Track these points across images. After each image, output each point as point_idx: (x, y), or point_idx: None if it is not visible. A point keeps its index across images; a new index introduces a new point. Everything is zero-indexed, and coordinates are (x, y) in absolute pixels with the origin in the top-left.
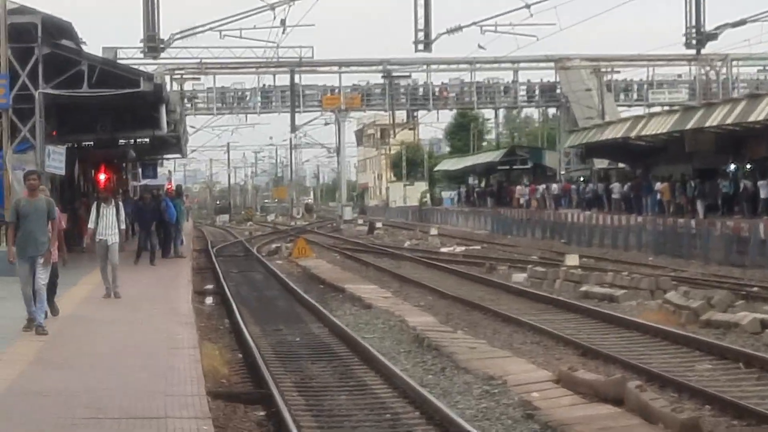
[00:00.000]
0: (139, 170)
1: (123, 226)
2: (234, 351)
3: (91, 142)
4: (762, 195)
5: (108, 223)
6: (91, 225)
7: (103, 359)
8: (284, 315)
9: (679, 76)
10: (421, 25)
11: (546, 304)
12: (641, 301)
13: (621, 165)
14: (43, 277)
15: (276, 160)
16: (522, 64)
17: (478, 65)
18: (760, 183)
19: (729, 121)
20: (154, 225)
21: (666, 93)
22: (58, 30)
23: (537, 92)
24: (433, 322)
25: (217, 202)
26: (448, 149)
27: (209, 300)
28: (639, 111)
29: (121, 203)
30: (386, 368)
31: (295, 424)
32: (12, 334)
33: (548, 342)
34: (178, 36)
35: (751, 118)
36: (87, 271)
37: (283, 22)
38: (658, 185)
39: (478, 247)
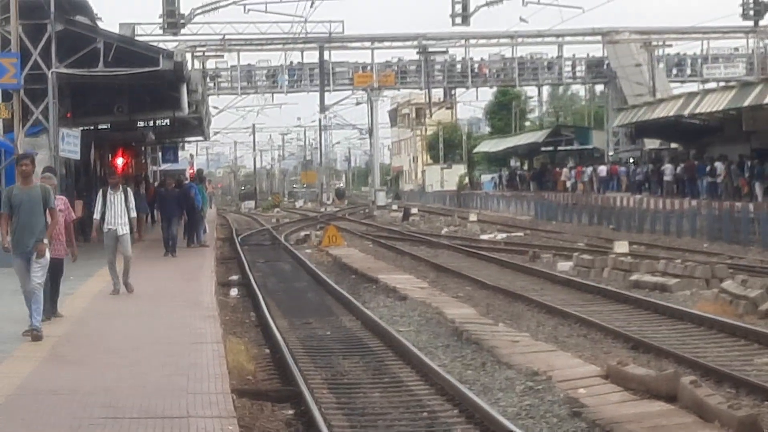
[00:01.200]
0: (159, 154)
1: (133, 214)
2: (261, 346)
3: (108, 125)
4: None
5: (117, 212)
6: (96, 215)
7: (121, 356)
8: (314, 307)
9: (736, 49)
10: None
11: (593, 294)
12: (696, 290)
13: (673, 145)
14: (37, 276)
15: (305, 142)
16: (567, 38)
17: (519, 39)
18: None
19: None
20: (182, 214)
21: (722, 68)
22: (71, 5)
23: (583, 68)
24: (473, 314)
25: (242, 188)
26: (488, 130)
27: (234, 292)
28: (693, 87)
29: (129, 189)
30: (423, 363)
31: (326, 423)
32: (23, 330)
33: (596, 335)
34: (200, 11)
35: None
36: (103, 263)
37: None
38: (718, 166)
39: (521, 234)
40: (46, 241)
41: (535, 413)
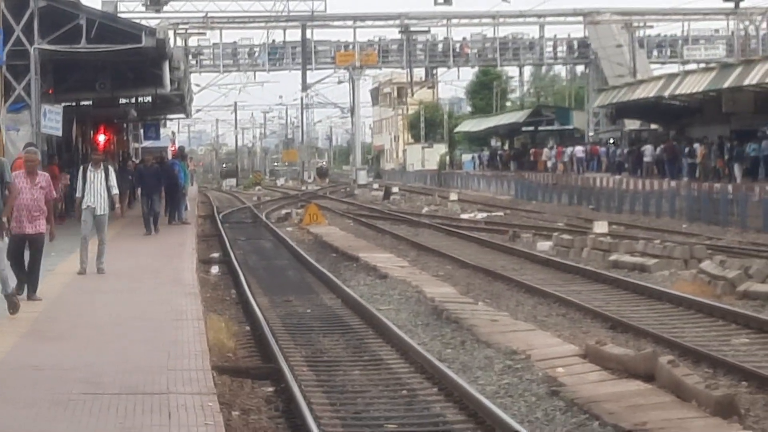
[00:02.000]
0: (141, 131)
1: (115, 191)
2: (241, 323)
3: (90, 102)
4: None
5: (97, 190)
6: (78, 193)
7: (101, 332)
8: (294, 285)
9: (716, 31)
10: None
11: (573, 274)
12: (674, 271)
13: (653, 126)
14: None
15: (286, 120)
16: (549, 18)
17: (501, 19)
18: None
19: None
20: (161, 191)
21: (702, 49)
22: None
23: (564, 48)
24: (453, 293)
25: (224, 166)
26: (469, 109)
27: (215, 269)
28: (673, 69)
29: (110, 167)
30: (402, 342)
31: (305, 400)
32: (3, 304)
33: (575, 314)
34: None
35: None
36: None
37: None
38: (697, 147)
39: (501, 214)
40: (5, 219)
41: (513, 392)
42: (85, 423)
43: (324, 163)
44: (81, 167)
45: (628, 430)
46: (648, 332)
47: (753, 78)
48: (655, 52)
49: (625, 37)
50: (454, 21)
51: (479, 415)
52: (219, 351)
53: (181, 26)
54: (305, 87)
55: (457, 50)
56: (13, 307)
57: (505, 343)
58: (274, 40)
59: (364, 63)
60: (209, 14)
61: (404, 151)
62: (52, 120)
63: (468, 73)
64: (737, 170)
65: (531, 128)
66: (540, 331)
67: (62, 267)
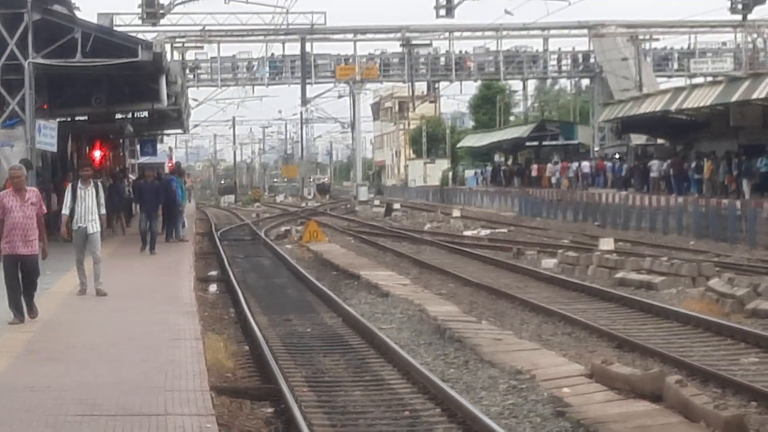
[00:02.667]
0: (138, 147)
1: (103, 211)
2: (240, 343)
3: (86, 117)
4: None
5: (87, 208)
6: (65, 211)
7: (98, 352)
8: (294, 304)
9: (724, 44)
10: None
11: (578, 292)
12: (682, 288)
13: (660, 141)
14: None
15: (285, 135)
16: (553, 32)
17: (504, 32)
18: None
19: None
20: (159, 208)
21: (709, 62)
22: None
23: (569, 62)
24: (456, 312)
25: (222, 182)
26: (471, 124)
27: (213, 288)
28: (680, 82)
29: (100, 184)
30: (405, 361)
31: (306, 422)
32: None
33: (580, 333)
34: (179, 1)
35: None
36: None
37: None
38: (704, 162)
39: (505, 231)
40: None
41: (518, 412)
42: None
43: (324, 179)
44: (70, 184)
45: None
46: (655, 351)
47: (762, 92)
48: (661, 65)
49: (631, 50)
50: (456, 34)
51: None
52: (217, 371)
53: (178, 40)
54: (305, 101)
55: (460, 64)
56: None
57: (510, 362)
58: (273, 54)
59: (365, 77)
60: (207, 27)
61: (406, 166)
62: (47, 135)
63: (471, 87)
64: (746, 186)
65: (535, 143)
66: (545, 350)
67: (57, 286)
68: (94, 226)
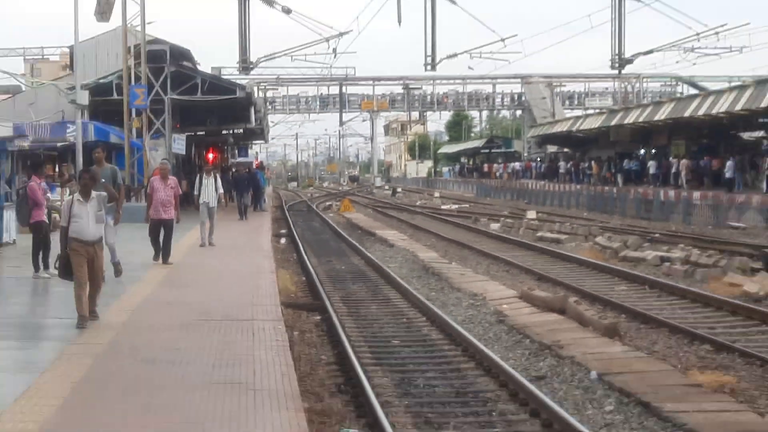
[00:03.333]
0: (236, 151)
1: (221, 191)
2: (299, 275)
3: (203, 132)
4: (651, 171)
5: (209, 191)
6: (195, 192)
7: (209, 281)
8: (334, 251)
9: (606, 88)
10: (429, 51)
11: (513, 245)
12: (579, 243)
13: (566, 150)
14: (110, 236)
15: (329, 144)
16: (499, 80)
17: (468, 80)
18: (650, 162)
19: (641, 119)
20: (250, 190)
21: (597, 100)
22: (180, 54)
23: (508, 100)
24: (436, 257)
25: (289, 174)
26: (447, 138)
27: (283, 240)
28: (578, 112)
29: (218, 175)
30: (403, 287)
31: (340, 324)
32: (147, 265)
33: (514, 270)
34: (263, 59)
35: (656, 118)
36: (197, 224)
37: (334, 50)
38: (593, 163)
39: (467, 206)
40: (120, 212)
41: (474, 320)
42: (199, 340)
43: (354, 172)
44: (198, 175)
45: (548, 344)
46: (561, 282)
47: (630, 119)
48: (567, 102)
49: (548, 92)
50: (438, 81)
51: (452, 335)
52: (285, 293)
53: (262, 83)
54: (341, 123)
55: (440, 100)
56: (119, 273)
57: (469, 288)
58: (321, 93)
59: (380, 108)
60: (280, 76)
61: (405, 165)
62: (179, 144)
63: (446, 116)
64: (619, 179)
65: (487, 151)
66: (492, 281)
67: (185, 240)
68: (213, 202)
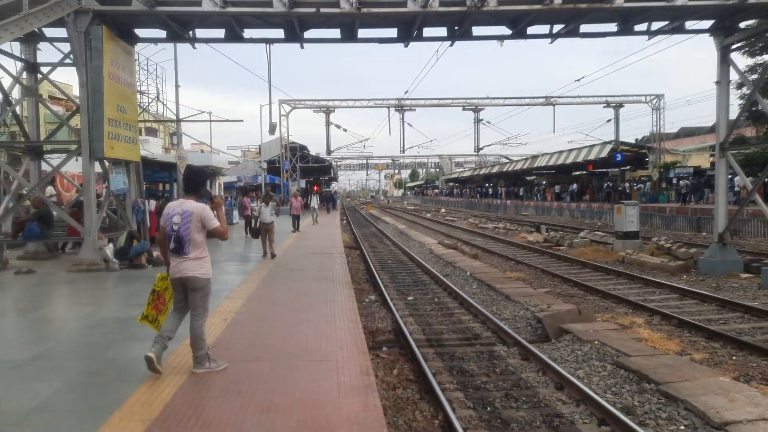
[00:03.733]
0: (325, 185)
1: (318, 202)
2: (351, 236)
3: (312, 179)
4: (489, 192)
5: (314, 202)
6: (311, 203)
7: (318, 237)
8: (363, 224)
9: (473, 159)
10: (402, 145)
11: (436, 222)
12: (460, 220)
13: (457, 184)
14: None
15: (363, 182)
16: (429, 157)
17: (417, 157)
18: (511, 189)
19: (483, 173)
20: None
21: (470, 164)
22: (301, 147)
23: (434, 165)
24: (405, 228)
25: (347, 197)
26: (409, 180)
27: (344, 222)
28: (461, 169)
29: (319, 195)
30: (392, 239)
31: (371, 259)
32: (287, 232)
33: (436, 233)
34: (334, 150)
35: (493, 171)
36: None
37: (364, 144)
38: (487, 190)
39: (418, 204)
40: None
41: (420, 253)
42: (311, 261)
43: (373, 194)
44: (309, 195)
45: (450, 261)
46: (454, 237)
47: (481, 172)
48: (455, 166)
49: (448, 162)
50: (405, 156)
51: (412, 259)
52: (345, 243)
53: (335, 159)
54: (367, 174)
55: (406, 165)
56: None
57: (418, 240)
58: (359, 162)
59: (382, 168)
60: (342, 156)
61: (393, 191)
62: (299, 183)
63: (408, 171)
64: (478, 197)
65: (426, 185)
66: (427, 237)
67: (304, 222)
68: (317, 205)
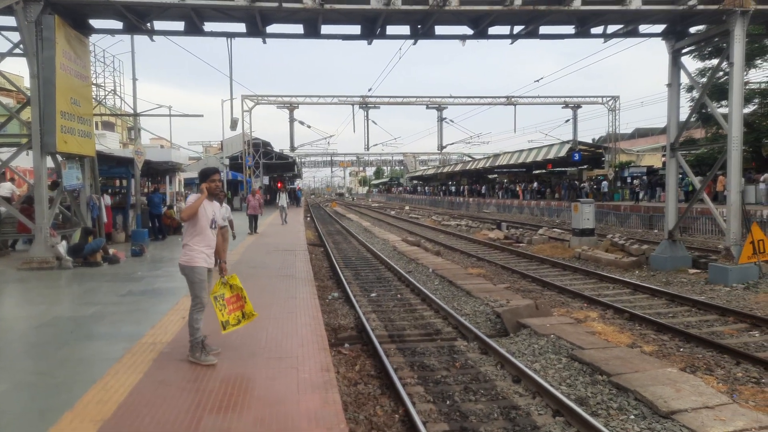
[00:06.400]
0: (289, 182)
1: (286, 200)
2: (316, 233)
3: (276, 175)
4: (453, 190)
5: (282, 199)
6: (277, 200)
7: (277, 237)
8: (326, 220)
9: (436, 157)
10: (366, 142)
11: (399, 219)
12: (424, 218)
13: (421, 182)
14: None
15: (329, 179)
16: (395, 157)
17: (382, 155)
18: (474, 186)
19: (446, 170)
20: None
21: (434, 162)
22: (264, 144)
23: (400, 165)
24: (369, 225)
25: (312, 193)
26: (374, 178)
27: (308, 219)
28: (425, 167)
29: (285, 192)
30: (356, 237)
31: (335, 255)
32: (245, 232)
33: (399, 230)
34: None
35: (456, 170)
36: (274, 212)
37: (328, 141)
38: (452, 188)
39: (382, 201)
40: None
41: (383, 250)
42: (273, 259)
43: (338, 191)
44: (277, 193)
45: (413, 258)
46: (418, 234)
47: (444, 170)
48: (419, 164)
49: (412, 160)
50: (370, 154)
51: (376, 255)
52: (309, 240)
53: (299, 155)
54: (332, 171)
55: (371, 162)
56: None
57: (382, 237)
58: (324, 159)
59: (347, 166)
60: (307, 152)
61: (358, 188)
62: (262, 180)
63: (373, 168)
64: (442, 195)
65: (391, 182)
66: (391, 234)
67: (266, 221)
68: (286, 204)
